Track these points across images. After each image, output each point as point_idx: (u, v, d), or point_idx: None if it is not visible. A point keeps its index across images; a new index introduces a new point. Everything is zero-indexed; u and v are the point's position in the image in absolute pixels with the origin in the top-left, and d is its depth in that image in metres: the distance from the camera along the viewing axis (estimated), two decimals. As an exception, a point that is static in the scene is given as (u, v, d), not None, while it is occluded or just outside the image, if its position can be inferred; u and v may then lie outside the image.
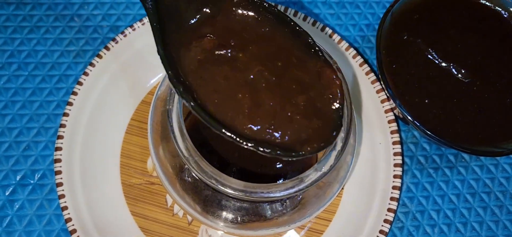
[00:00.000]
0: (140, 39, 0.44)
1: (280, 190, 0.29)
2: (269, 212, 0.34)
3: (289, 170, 0.40)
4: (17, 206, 0.40)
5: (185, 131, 0.30)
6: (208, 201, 0.33)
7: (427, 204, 0.42)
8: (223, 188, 0.29)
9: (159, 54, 0.28)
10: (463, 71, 0.41)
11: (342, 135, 0.31)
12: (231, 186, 0.29)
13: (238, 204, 0.33)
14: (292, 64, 0.30)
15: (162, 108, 0.34)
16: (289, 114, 0.28)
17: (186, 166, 0.32)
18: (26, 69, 0.44)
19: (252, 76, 0.29)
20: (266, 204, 0.33)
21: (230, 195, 0.30)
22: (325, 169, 0.30)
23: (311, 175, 0.30)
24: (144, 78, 0.43)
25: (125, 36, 0.43)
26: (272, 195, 0.30)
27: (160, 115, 0.34)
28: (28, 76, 0.43)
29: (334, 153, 0.30)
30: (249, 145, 0.27)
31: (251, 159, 0.39)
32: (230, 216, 0.34)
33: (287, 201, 0.34)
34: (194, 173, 0.29)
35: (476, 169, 0.44)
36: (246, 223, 0.34)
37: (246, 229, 0.34)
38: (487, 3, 0.44)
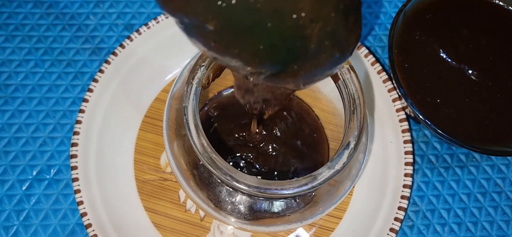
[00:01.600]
0: (154, 38, 0.44)
1: (293, 187, 0.30)
2: (281, 209, 0.34)
3: (300, 167, 0.41)
4: (33, 200, 0.41)
5: (200, 127, 0.30)
6: (222, 197, 0.33)
7: (438, 203, 0.42)
8: (237, 184, 0.30)
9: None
10: (475, 71, 0.41)
11: (355, 133, 0.31)
12: (245, 183, 0.30)
13: (251, 200, 0.34)
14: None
15: (176, 106, 0.35)
16: None
17: (200, 162, 0.32)
18: (42, 66, 0.44)
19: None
20: (279, 200, 0.34)
21: (244, 192, 0.30)
22: (338, 166, 0.30)
23: (324, 173, 0.30)
24: (158, 76, 0.44)
25: (140, 34, 0.44)
26: (285, 191, 0.30)
27: (175, 113, 0.34)
28: (45, 73, 0.44)
29: (347, 151, 0.31)
30: None
31: (263, 155, 0.40)
32: (243, 212, 0.34)
33: (300, 198, 0.34)
34: (209, 169, 0.30)
35: (487, 169, 0.44)
36: (258, 219, 0.34)
37: (259, 225, 0.35)
38: (500, 3, 0.44)
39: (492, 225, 0.42)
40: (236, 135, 0.39)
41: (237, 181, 0.30)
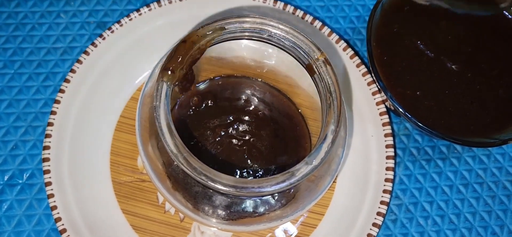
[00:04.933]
0: (128, 35, 0.43)
1: (271, 185, 0.29)
2: (261, 207, 0.34)
3: (282, 163, 0.40)
4: (5, 207, 0.39)
5: (173, 127, 0.29)
6: (199, 197, 0.32)
7: (420, 196, 0.42)
8: (213, 184, 0.29)
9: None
10: (454, 63, 0.41)
11: (332, 127, 0.30)
12: (221, 182, 0.29)
13: (229, 199, 0.33)
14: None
15: (149, 104, 0.34)
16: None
17: (175, 163, 0.31)
18: (12, 67, 0.43)
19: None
20: (258, 198, 0.33)
21: (221, 191, 0.29)
22: (315, 162, 0.30)
23: (302, 169, 0.30)
24: (133, 74, 0.43)
25: (112, 32, 0.42)
26: (263, 189, 0.29)
27: (148, 112, 0.33)
28: (14, 74, 0.43)
29: (325, 146, 0.30)
30: None
31: (241, 154, 0.39)
32: (221, 212, 0.33)
33: (279, 195, 0.33)
34: (183, 169, 0.29)
35: (468, 160, 0.44)
36: (238, 218, 0.34)
37: (239, 225, 0.34)
38: (477, -7, 0.44)
39: (475, 216, 0.42)
40: (213, 131, 0.38)
41: (213, 181, 0.29)
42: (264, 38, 0.33)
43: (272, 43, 0.33)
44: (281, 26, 0.32)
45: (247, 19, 0.32)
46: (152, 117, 0.32)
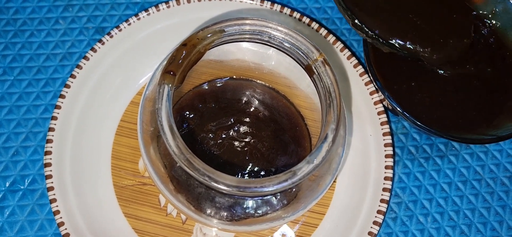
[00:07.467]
0: (127, 39, 0.43)
1: (273, 184, 0.29)
2: (264, 207, 0.34)
3: (283, 163, 0.40)
4: (7, 213, 0.39)
5: (175, 129, 0.29)
6: (202, 198, 0.33)
7: (419, 194, 0.42)
8: (216, 185, 0.29)
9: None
10: (450, 61, 0.41)
11: (332, 126, 0.31)
12: (224, 182, 0.29)
13: (231, 200, 0.33)
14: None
15: (150, 108, 0.34)
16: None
17: (177, 165, 0.32)
18: (11, 74, 0.43)
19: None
20: (260, 199, 0.33)
21: (224, 191, 0.30)
22: (317, 161, 0.30)
23: (304, 168, 0.30)
24: (132, 79, 0.43)
25: (111, 37, 0.43)
26: (265, 189, 0.29)
27: (149, 115, 0.34)
28: (14, 81, 0.43)
29: (325, 145, 0.30)
30: None
31: (242, 155, 0.39)
32: (224, 213, 0.34)
33: (281, 195, 0.34)
34: (186, 171, 0.29)
35: (466, 157, 0.44)
36: (240, 219, 0.34)
37: (241, 225, 0.34)
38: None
39: (474, 212, 0.42)
40: (214, 134, 0.39)
41: (216, 181, 0.29)
42: (263, 40, 0.33)
43: (271, 45, 0.33)
44: (280, 28, 0.33)
45: (246, 22, 0.32)
46: (154, 121, 0.33)
